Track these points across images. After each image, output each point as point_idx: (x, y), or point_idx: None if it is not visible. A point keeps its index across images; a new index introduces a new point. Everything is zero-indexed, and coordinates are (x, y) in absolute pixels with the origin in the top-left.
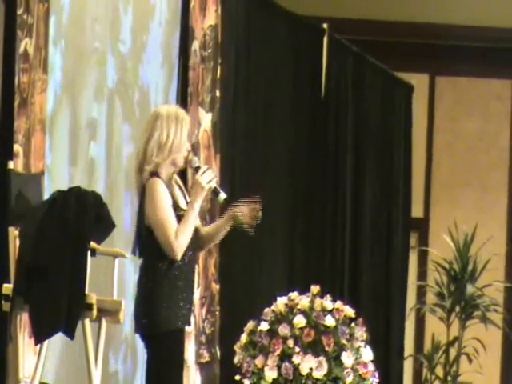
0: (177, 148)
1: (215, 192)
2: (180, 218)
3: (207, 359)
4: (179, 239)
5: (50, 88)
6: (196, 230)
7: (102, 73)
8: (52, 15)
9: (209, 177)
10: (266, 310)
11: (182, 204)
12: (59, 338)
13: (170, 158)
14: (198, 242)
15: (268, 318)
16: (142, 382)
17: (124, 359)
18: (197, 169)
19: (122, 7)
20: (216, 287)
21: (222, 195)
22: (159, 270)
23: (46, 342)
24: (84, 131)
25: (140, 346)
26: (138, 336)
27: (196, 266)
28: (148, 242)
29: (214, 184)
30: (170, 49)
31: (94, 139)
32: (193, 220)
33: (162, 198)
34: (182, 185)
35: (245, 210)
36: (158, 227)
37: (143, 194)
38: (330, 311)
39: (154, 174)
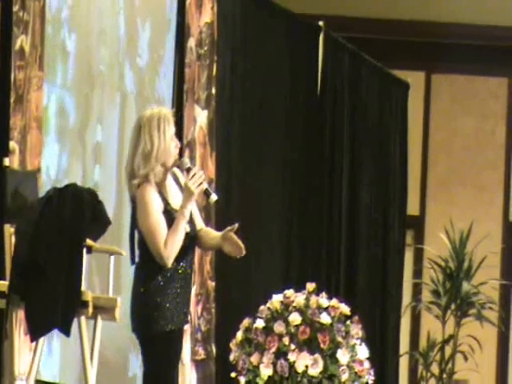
0: (163, 153)
1: (206, 193)
2: (173, 220)
3: (203, 357)
4: (168, 248)
5: (57, 97)
6: (189, 235)
7: (121, 85)
8: (72, 32)
9: (199, 179)
10: (262, 307)
11: (178, 201)
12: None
13: (159, 165)
14: (196, 241)
15: (263, 315)
16: None
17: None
18: (188, 170)
19: (139, 22)
20: (212, 284)
21: (214, 196)
22: (152, 272)
23: (41, 339)
24: (93, 138)
25: None
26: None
27: (193, 267)
28: (141, 245)
29: (204, 185)
30: None
31: (105, 143)
32: (182, 227)
33: (152, 205)
34: (179, 176)
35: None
36: (147, 236)
37: (134, 201)
38: (326, 309)
39: (145, 179)
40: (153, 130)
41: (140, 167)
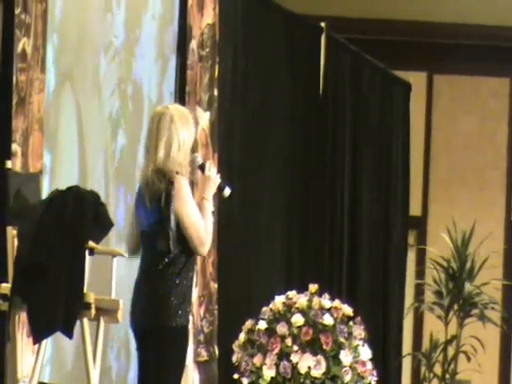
0: (189, 149)
1: (220, 187)
2: None
3: (205, 358)
4: (209, 235)
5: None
6: None
7: (95, 66)
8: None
9: (214, 172)
10: (264, 308)
11: None
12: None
13: (187, 159)
14: None
15: (266, 316)
16: (135, 378)
17: (117, 356)
18: (201, 166)
19: (115, 1)
20: (214, 286)
21: (227, 191)
22: (180, 265)
23: (44, 342)
24: (78, 125)
25: (133, 341)
26: (132, 332)
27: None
28: (176, 236)
29: (219, 179)
30: (163, 43)
31: (86, 133)
32: (211, 216)
33: (190, 194)
34: None
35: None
36: (191, 223)
37: (168, 191)
38: (328, 310)
39: (177, 173)
40: (184, 125)
41: (177, 154)
